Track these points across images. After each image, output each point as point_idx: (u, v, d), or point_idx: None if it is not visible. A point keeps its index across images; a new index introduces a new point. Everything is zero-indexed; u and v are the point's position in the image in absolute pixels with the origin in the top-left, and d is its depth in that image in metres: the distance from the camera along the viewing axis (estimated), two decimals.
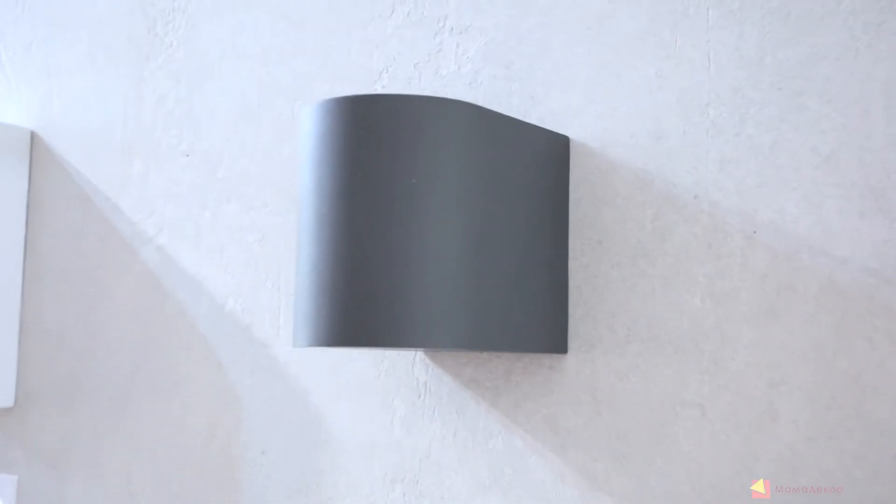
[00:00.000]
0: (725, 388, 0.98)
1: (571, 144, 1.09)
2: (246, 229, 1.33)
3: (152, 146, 1.43)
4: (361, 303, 0.91)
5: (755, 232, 0.98)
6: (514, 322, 1.00)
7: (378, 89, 1.23)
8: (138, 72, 1.46)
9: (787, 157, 0.97)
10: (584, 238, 1.07)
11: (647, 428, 1.02)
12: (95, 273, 1.47)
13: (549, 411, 1.07)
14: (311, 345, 0.93)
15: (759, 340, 0.96)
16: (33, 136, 1.56)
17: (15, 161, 1.55)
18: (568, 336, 1.07)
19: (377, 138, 0.93)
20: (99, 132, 1.48)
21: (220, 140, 1.36)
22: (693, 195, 1.01)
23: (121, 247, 1.44)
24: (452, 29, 1.18)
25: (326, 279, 0.92)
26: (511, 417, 1.10)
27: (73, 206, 1.49)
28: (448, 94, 1.17)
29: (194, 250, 1.37)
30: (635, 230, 1.04)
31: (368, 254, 0.92)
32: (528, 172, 1.03)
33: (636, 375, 1.03)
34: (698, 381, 0.99)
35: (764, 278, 0.97)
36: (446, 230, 0.93)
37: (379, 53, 1.24)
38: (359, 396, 1.20)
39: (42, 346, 1.50)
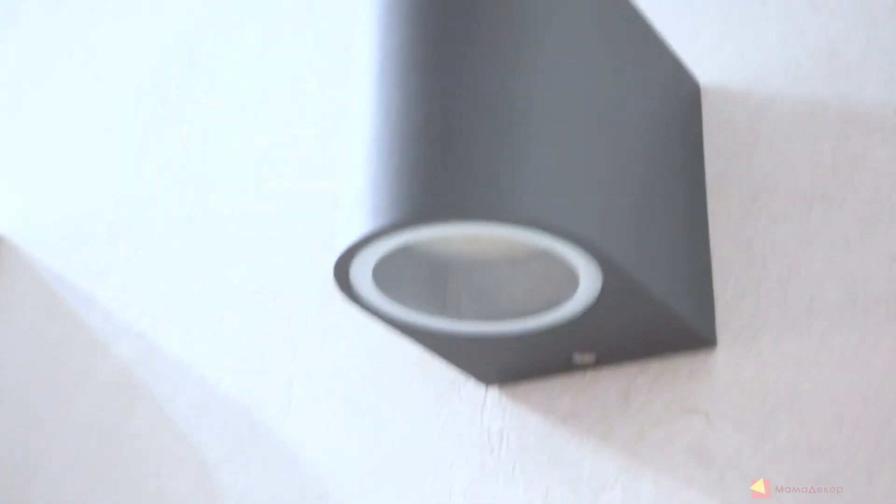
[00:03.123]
0: None
1: (704, 94, 0.81)
2: (257, 291, 1.01)
3: (146, 220, 1.15)
4: (457, 161, 0.60)
5: None
6: (653, 251, 0.67)
7: None
8: (141, 145, 1.21)
9: None
10: (728, 197, 0.76)
11: (861, 430, 0.65)
12: (50, 386, 1.13)
13: (695, 436, 0.71)
14: (384, 224, 0.60)
15: None
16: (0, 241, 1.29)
17: None
18: (716, 325, 0.73)
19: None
20: (81, 220, 1.20)
21: (234, 194, 1.09)
22: (892, 109, 0.72)
23: (86, 348, 1.12)
24: None
25: (403, 136, 0.61)
26: (633, 455, 0.73)
27: (38, 312, 1.19)
28: None
29: (185, 330, 1.05)
30: (808, 171, 0.74)
31: (464, 96, 0.61)
32: (653, 104, 0.75)
33: (831, 359, 0.68)
34: None
35: None
36: (571, 91, 0.64)
37: None
38: (400, 471, 0.83)
39: None
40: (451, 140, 0.60)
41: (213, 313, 1.03)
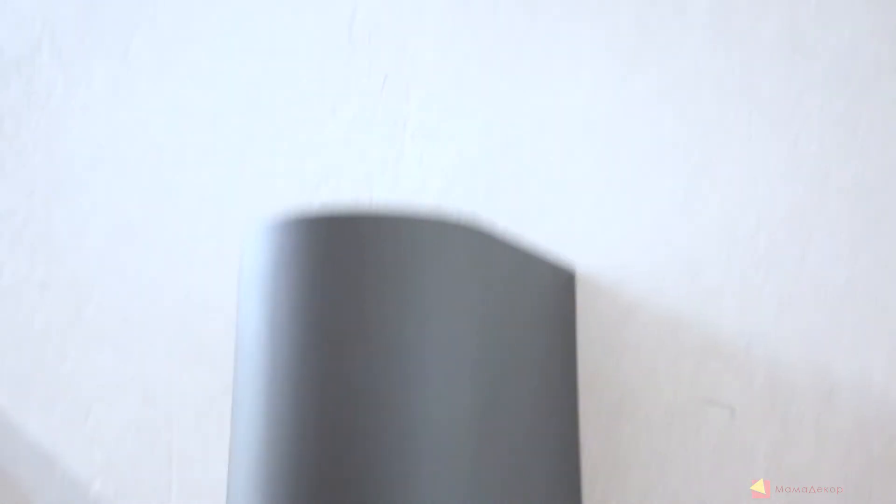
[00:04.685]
0: None
1: (578, 280, 0.87)
2: (124, 385, 1.03)
3: None
4: (334, 489, 0.65)
5: (831, 392, 0.78)
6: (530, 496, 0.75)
7: (317, 202, 0.98)
8: None
9: (867, 298, 0.78)
10: (598, 398, 0.84)
11: None
12: None
13: None
14: None
15: None
16: None
17: None
18: None
19: (358, 268, 0.68)
20: None
21: (92, 267, 1.07)
22: (745, 343, 0.81)
23: None
24: (415, 134, 0.96)
25: (286, 454, 0.65)
26: None
27: None
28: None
29: (44, 416, 1.05)
30: (670, 386, 0.82)
31: (346, 419, 0.66)
32: (532, 314, 0.80)
33: None
34: None
35: (849, 453, 0.77)
36: (452, 392, 0.69)
37: (315, 161, 1.00)
38: None
39: None
40: (334, 463, 0.65)
41: (79, 402, 1.04)
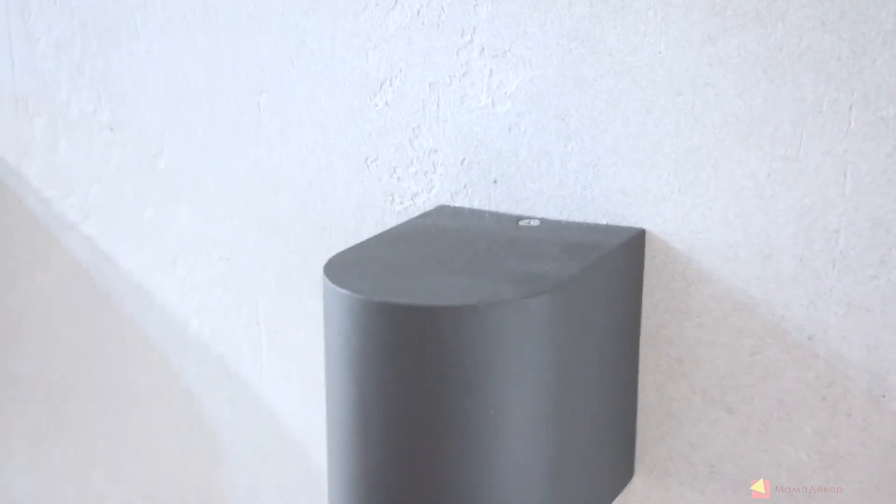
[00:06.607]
0: None
1: (648, 238, 0.86)
2: (207, 242, 1.07)
3: (58, 106, 1.11)
4: None
5: (884, 396, 0.81)
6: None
7: (381, 106, 0.94)
8: (23, 3, 1.09)
9: None
10: (658, 352, 0.88)
11: None
12: (4, 256, 1.20)
13: None
14: None
15: None
16: None
17: None
18: (635, 458, 0.92)
19: (449, 359, 0.70)
20: None
21: (158, 120, 1.06)
22: (808, 335, 0.83)
23: (33, 226, 1.16)
24: (483, 49, 0.89)
25: None
26: None
27: None
28: (482, 139, 0.91)
29: (137, 251, 1.11)
30: (727, 359, 0.86)
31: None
32: (600, 286, 0.82)
33: None
34: None
35: (890, 449, 0.82)
36: (528, 459, 0.74)
37: (377, 55, 0.93)
38: None
39: None
40: None
41: (165, 249, 1.10)
